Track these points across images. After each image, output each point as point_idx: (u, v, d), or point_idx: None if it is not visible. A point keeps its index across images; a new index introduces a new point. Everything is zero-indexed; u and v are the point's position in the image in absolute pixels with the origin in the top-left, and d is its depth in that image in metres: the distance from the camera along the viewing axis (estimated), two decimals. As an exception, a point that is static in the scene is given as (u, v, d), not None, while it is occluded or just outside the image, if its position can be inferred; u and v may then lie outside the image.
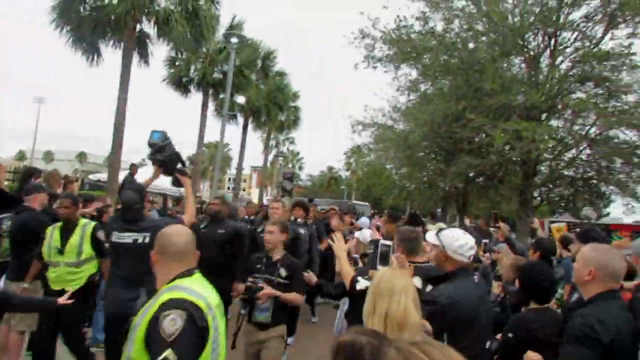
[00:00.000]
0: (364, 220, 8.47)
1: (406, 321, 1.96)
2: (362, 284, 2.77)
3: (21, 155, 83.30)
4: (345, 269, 2.99)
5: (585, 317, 2.17)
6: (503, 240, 5.51)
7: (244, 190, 75.42)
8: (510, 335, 2.97)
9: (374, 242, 3.25)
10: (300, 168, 64.96)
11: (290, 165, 59.23)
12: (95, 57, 13.81)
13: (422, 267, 2.80)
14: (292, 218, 5.89)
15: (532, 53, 11.77)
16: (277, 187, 34.66)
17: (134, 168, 12.06)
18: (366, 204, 32.60)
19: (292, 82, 28.33)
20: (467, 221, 8.30)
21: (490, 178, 13.04)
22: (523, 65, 12.40)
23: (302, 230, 5.76)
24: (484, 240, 4.85)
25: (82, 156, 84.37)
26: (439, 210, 24.03)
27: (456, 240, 2.72)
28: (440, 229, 2.96)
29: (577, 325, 2.16)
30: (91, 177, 33.08)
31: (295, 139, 52.77)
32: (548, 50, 11.63)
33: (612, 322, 2.11)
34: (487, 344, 2.72)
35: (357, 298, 2.71)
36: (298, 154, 62.79)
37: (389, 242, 2.83)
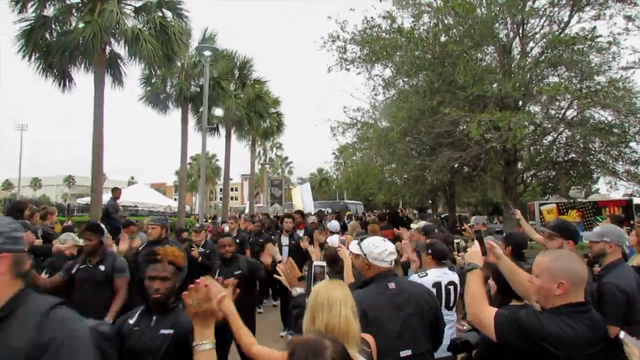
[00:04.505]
0: (334, 224, 8.44)
1: (348, 332, 1.93)
2: (296, 290, 2.77)
3: (8, 184, 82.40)
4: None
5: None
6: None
7: (235, 199, 75.19)
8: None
9: (308, 263, 3.18)
10: (290, 172, 65.06)
11: (279, 171, 59.25)
12: (67, 82, 13.62)
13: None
14: None
15: (502, 42, 11.85)
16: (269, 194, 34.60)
17: (117, 192, 11.92)
18: (359, 202, 32.69)
19: (272, 88, 28.40)
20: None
21: (474, 168, 13.13)
22: (495, 55, 12.49)
23: None
24: (456, 241, 4.79)
25: (69, 180, 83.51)
26: (430, 201, 24.17)
27: (376, 248, 2.80)
28: (362, 239, 3.00)
29: None
30: (79, 200, 32.97)
31: (282, 144, 52.93)
32: (517, 38, 11.72)
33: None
34: (406, 353, 2.65)
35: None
36: (286, 158, 62.85)
37: (322, 263, 2.80)
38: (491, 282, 3.48)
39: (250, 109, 23.29)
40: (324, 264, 2.79)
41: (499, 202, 17.32)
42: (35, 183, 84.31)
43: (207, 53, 14.58)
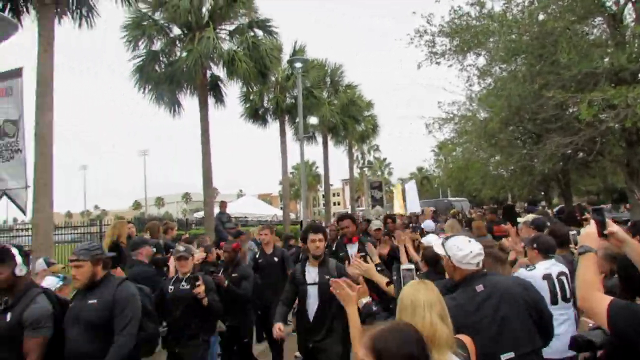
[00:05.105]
0: (429, 223, 8.15)
1: (434, 337, 1.85)
2: (361, 301, 2.79)
3: (137, 205, 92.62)
4: (377, 279, 2.95)
5: None
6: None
7: (338, 204, 76.36)
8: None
9: (396, 268, 3.08)
10: (390, 174, 64.53)
11: (378, 173, 59.04)
12: (177, 108, 15.02)
13: (442, 281, 2.72)
14: None
15: (611, 12, 10.67)
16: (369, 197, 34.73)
17: (223, 205, 12.79)
18: (464, 199, 31.34)
19: (364, 92, 28.58)
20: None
21: (589, 153, 11.95)
22: (604, 26, 11.29)
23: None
24: (572, 233, 4.42)
25: (186, 197, 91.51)
26: (542, 193, 22.40)
27: (460, 251, 2.62)
28: (447, 237, 2.85)
29: None
30: (196, 215, 35.88)
31: (379, 146, 52.76)
32: (630, 3, 10.47)
33: None
34: (508, 355, 2.46)
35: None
36: (385, 160, 62.48)
37: (410, 266, 2.72)
38: None
39: (344, 115, 23.67)
40: (412, 266, 2.75)
41: (624, 188, 15.43)
42: (159, 202, 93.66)
43: (299, 65, 15.10)
